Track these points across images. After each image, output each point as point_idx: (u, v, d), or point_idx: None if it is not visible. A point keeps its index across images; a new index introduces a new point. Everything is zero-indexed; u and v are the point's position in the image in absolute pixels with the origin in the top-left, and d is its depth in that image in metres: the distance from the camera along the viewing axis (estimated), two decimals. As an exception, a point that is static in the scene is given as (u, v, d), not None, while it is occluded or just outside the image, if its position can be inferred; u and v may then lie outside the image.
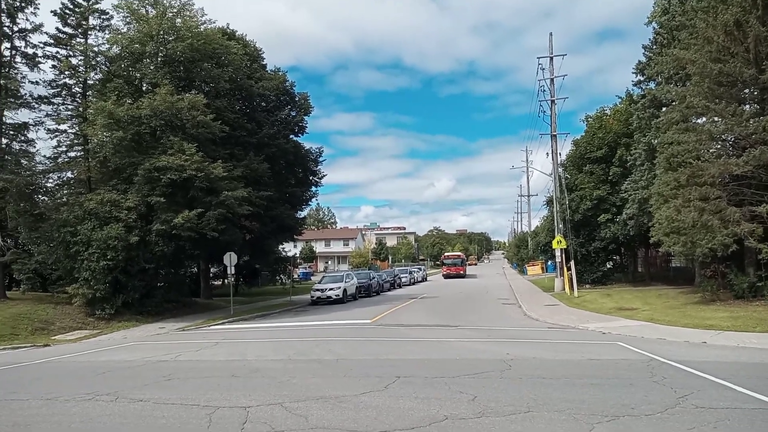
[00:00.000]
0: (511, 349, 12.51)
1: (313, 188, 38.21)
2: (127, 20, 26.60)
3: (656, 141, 23.98)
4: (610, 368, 9.96)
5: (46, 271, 25.82)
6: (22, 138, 26.06)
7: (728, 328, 14.24)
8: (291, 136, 35.14)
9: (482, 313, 23.11)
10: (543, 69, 32.74)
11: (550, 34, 32.97)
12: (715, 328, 14.31)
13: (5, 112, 24.67)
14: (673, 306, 20.10)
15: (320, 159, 37.67)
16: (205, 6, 25.34)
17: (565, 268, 30.45)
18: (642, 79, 28.55)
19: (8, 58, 24.78)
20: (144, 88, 26.93)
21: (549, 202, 37.63)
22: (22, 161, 25.67)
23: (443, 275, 63.67)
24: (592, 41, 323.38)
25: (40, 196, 26.27)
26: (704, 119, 20.11)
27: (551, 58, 32.60)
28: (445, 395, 8.17)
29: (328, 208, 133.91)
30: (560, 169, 33.44)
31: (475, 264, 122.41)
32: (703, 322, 15.35)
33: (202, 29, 27.08)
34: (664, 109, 24.17)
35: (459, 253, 72.39)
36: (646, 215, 26.09)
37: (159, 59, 26.66)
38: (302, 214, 41.19)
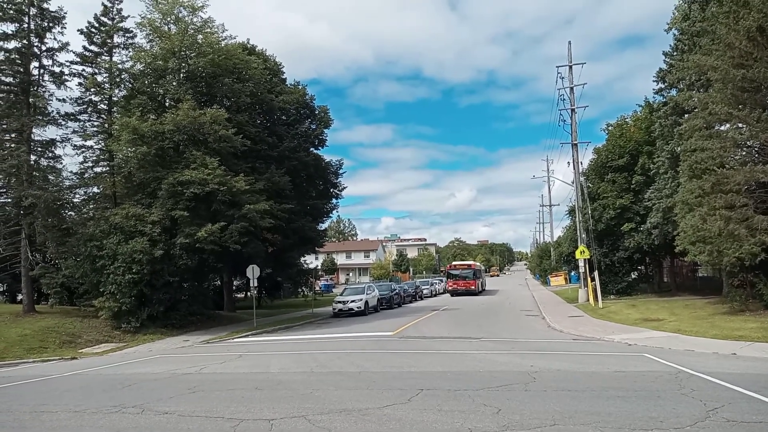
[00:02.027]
0: (535, 361, 12.39)
1: (334, 200, 38.45)
2: (150, 38, 27.18)
3: (679, 148, 23.64)
4: (637, 380, 9.80)
5: (74, 284, 26.26)
6: (50, 154, 26.70)
7: (759, 339, 13.93)
8: (311, 149, 35.43)
9: (505, 325, 22.92)
10: (562, 78, 32.65)
11: (569, 42, 32.86)
12: (744, 339, 14.01)
13: (34, 129, 25.27)
14: (701, 317, 19.73)
15: (340, 171, 37.96)
16: (226, 21, 26.09)
17: (588, 279, 30.10)
18: (663, 86, 28.23)
19: (36, 76, 25.43)
20: (167, 104, 27.42)
21: (571, 212, 37.30)
22: (50, 177, 26.27)
23: (449, 292, 50.69)
24: (613, 48, 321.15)
25: (67, 211, 26.88)
26: (728, 126, 19.80)
27: (570, 67, 32.46)
28: (469, 408, 8.11)
29: (348, 219, 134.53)
30: (582, 178, 33.15)
31: (497, 275, 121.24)
32: (732, 333, 15.03)
33: (222, 45, 27.56)
34: (686, 116, 23.85)
35: (471, 263, 55.62)
36: (670, 224, 25.70)
37: (181, 75, 27.19)
38: (323, 226, 41.35)
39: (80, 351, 20.51)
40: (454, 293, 48.64)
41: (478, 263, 64.74)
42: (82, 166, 28.04)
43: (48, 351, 20.01)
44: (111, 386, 12.10)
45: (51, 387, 12.77)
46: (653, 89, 29.32)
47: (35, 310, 24.99)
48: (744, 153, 20.23)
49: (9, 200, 26.29)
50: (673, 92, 26.88)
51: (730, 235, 17.52)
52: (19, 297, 29.25)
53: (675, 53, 26.67)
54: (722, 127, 20.11)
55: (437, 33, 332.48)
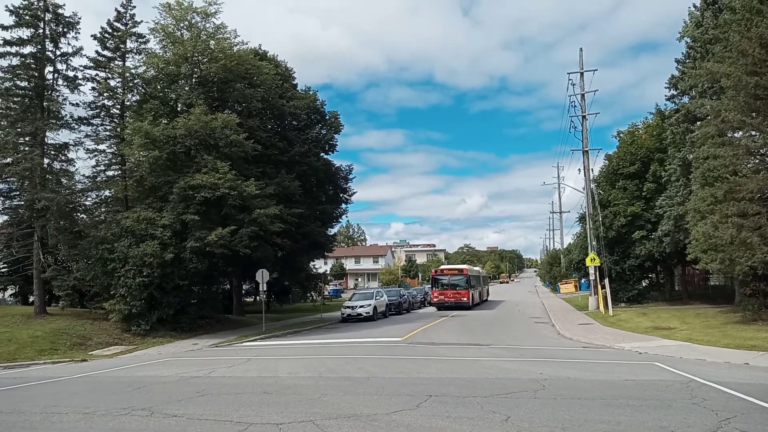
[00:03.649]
0: (544, 368, 12.32)
1: (344, 205, 38.52)
2: (163, 43, 27.41)
3: (691, 156, 23.50)
4: (648, 389, 9.71)
5: (84, 287, 26.44)
6: (63, 158, 26.97)
7: (771, 348, 13.77)
8: (321, 154, 35.55)
9: (514, 332, 22.81)
10: (573, 84, 32.60)
11: (581, 49, 32.83)
12: (757, 349, 13.85)
13: (47, 133, 25.57)
14: (712, 325, 19.53)
15: (350, 176, 38.05)
16: (239, 26, 26.32)
17: (599, 287, 29.91)
18: (675, 93, 28.09)
19: (50, 81, 25.73)
20: (179, 109, 27.64)
21: (582, 219, 37.13)
22: (63, 180, 26.53)
23: (434, 304, 39.67)
24: (626, 55, 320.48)
25: (79, 214, 27.12)
26: (741, 133, 19.65)
27: (582, 74, 32.41)
28: (478, 415, 8.07)
29: (358, 225, 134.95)
30: (593, 185, 33.01)
31: (507, 282, 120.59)
32: (744, 343, 14.87)
33: (234, 50, 27.73)
34: (698, 123, 23.70)
35: (463, 267, 42.99)
36: (682, 232, 25.51)
37: (193, 80, 27.38)
38: (333, 231, 41.50)
39: (90, 353, 20.64)
40: (441, 306, 38.26)
41: (478, 268, 53.60)
42: (94, 170, 28.37)
43: (59, 353, 20.15)
44: (120, 388, 12.15)
45: (61, 389, 12.86)
46: (665, 96, 29.21)
47: (46, 312, 25.20)
48: (757, 161, 20.02)
49: (22, 203, 26.60)
50: (685, 99, 26.73)
51: (742, 243, 17.37)
52: (31, 299, 29.48)
53: (687, 60, 26.54)
54: (735, 135, 19.96)
55: (450, 39, 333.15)
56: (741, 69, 18.22)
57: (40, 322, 23.41)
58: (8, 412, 9.94)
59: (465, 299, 37.73)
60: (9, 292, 36.83)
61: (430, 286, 42.78)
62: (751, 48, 17.89)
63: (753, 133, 18.89)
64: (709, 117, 20.53)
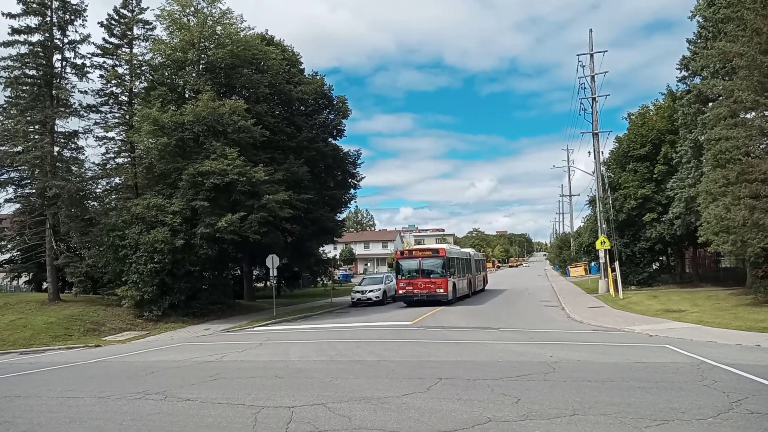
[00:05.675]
0: (554, 351, 12.33)
1: (352, 190, 38.62)
2: (170, 29, 27.36)
3: (703, 137, 23.24)
4: (658, 371, 9.70)
5: (97, 273, 26.68)
6: (73, 145, 27.11)
7: (783, 330, 13.70)
8: (329, 139, 35.53)
9: (524, 315, 22.83)
10: (583, 66, 32.19)
11: (590, 30, 32.39)
12: (769, 331, 13.80)
13: (57, 121, 25.67)
14: (723, 308, 19.44)
15: (359, 161, 38.09)
16: (246, 10, 26.13)
17: (609, 270, 29.81)
18: (686, 74, 27.72)
19: (59, 69, 25.79)
20: (187, 95, 27.65)
21: (592, 202, 36.92)
22: (73, 168, 26.68)
23: (400, 297, 28.71)
24: (639, 34, 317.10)
25: (90, 202, 27.34)
26: (754, 114, 19.40)
27: (591, 55, 32.02)
28: (488, 397, 8.11)
29: (366, 210, 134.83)
30: (603, 168, 32.78)
31: (516, 266, 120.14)
32: (756, 325, 14.81)
33: (241, 36, 27.65)
34: (710, 104, 23.42)
35: (440, 247, 31.92)
36: (693, 214, 25.32)
37: (200, 66, 27.35)
38: (342, 216, 41.54)
39: (104, 339, 20.90)
40: (408, 301, 28.30)
41: (468, 249, 41.56)
42: (104, 157, 28.60)
43: (73, 338, 20.43)
44: (134, 373, 12.32)
45: (76, 374, 13.05)
46: (676, 77, 28.86)
47: (60, 298, 25.50)
48: (770, 141, 19.82)
49: (33, 191, 26.79)
50: (697, 80, 26.38)
51: (754, 225, 17.22)
52: (44, 285, 29.84)
53: (699, 40, 26.13)
54: (748, 115, 19.71)
55: (460, 20, 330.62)
56: (755, 48, 17.93)
57: (54, 308, 23.70)
58: (26, 396, 10.13)
59: (441, 291, 27.48)
60: (23, 279, 37.26)
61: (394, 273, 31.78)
62: (766, 26, 17.59)
63: (766, 113, 18.64)
64: (722, 97, 20.27)
